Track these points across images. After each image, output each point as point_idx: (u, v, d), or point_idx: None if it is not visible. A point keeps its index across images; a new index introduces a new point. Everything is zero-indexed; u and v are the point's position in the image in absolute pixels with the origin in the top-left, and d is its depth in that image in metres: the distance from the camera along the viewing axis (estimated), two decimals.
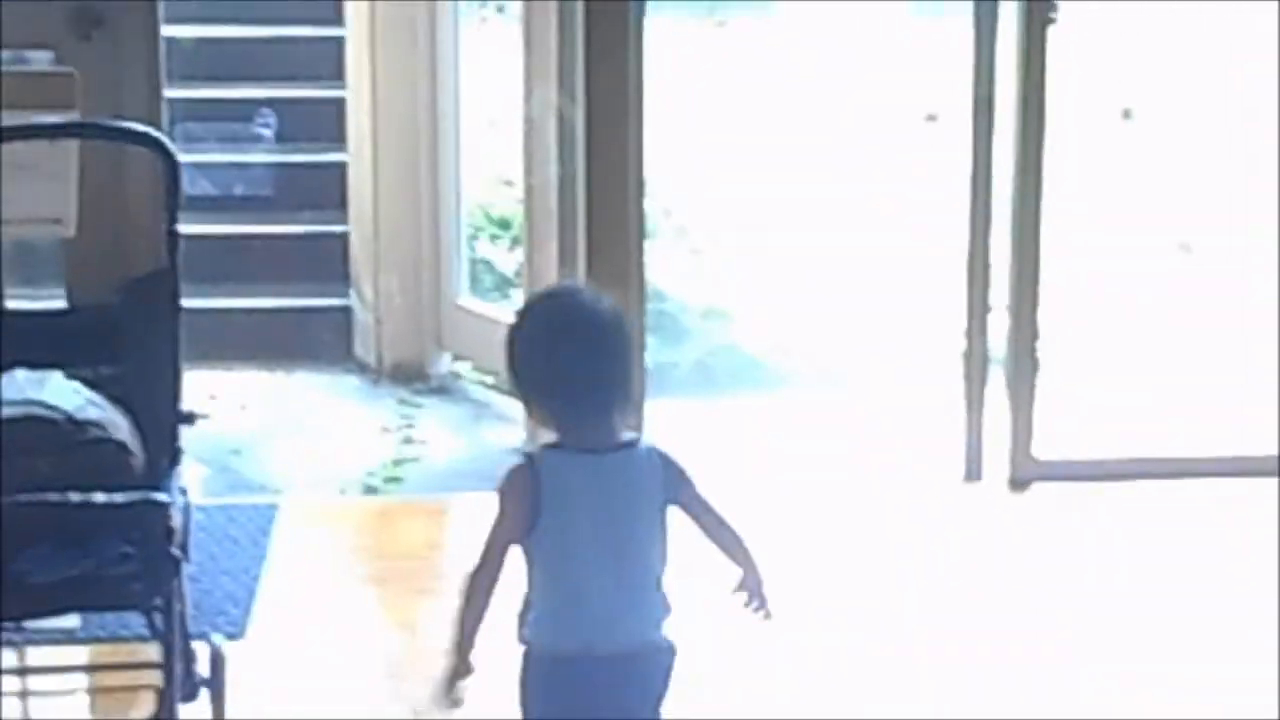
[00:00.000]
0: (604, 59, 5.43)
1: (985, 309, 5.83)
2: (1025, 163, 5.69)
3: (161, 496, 3.64)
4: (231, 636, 4.69)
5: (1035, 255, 5.78)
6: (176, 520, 3.70)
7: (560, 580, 3.20)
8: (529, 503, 3.13)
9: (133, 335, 3.96)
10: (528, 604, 3.22)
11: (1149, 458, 6.02)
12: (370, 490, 5.98)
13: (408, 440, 6.37)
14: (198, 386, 6.56)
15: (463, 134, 6.97)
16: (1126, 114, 9.47)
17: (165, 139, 4.14)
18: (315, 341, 7.14)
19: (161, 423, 3.90)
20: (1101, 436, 6.31)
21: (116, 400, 3.90)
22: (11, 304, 4.44)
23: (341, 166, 7.25)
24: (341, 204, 7.21)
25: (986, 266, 5.80)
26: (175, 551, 3.68)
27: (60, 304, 4.91)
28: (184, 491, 3.90)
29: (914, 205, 8.95)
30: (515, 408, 6.27)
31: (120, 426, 3.79)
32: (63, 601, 3.85)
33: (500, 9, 7.91)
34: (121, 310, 4.03)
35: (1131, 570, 5.25)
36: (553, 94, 5.61)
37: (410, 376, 6.85)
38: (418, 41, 6.81)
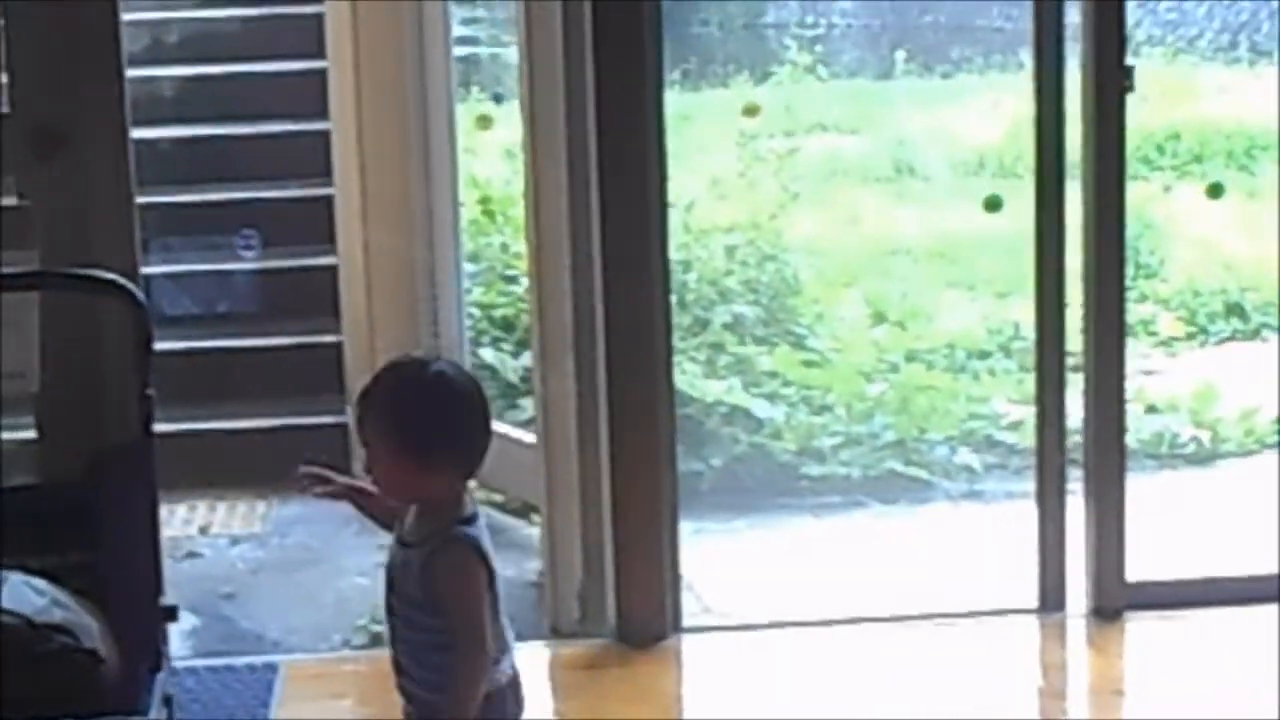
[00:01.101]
0: (620, 142, 4.75)
1: (1061, 406, 5.00)
2: (1103, 251, 4.90)
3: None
4: None
5: (1119, 347, 4.97)
6: None
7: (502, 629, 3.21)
8: (486, 576, 3.11)
9: (105, 517, 3.29)
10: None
11: (1257, 576, 5.11)
12: (376, 640, 5.06)
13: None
14: (186, 518, 5.99)
15: (462, 231, 6.35)
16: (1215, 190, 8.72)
17: (133, 287, 3.57)
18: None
19: (140, 620, 3.24)
20: (1196, 556, 5.48)
21: (88, 593, 3.21)
22: None
23: (332, 270, 6.58)
24: (333, 311, 6.55)
25: (1062, 364, 4.99)
26: None
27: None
28: (168, 701, 3.18)
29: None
30: (529, 532, 5.66)
31: (90, 630, 3.11)
32: None
33: (497, 99, 7.33)
34: (92, 488, 3.35)
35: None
36: (563, 179, 4.88)
37: None
38: (410, 135, 6.18)
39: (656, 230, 4.82)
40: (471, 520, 3.15)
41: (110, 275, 3.57)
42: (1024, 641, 4.95)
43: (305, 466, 3.30)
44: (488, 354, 6.59)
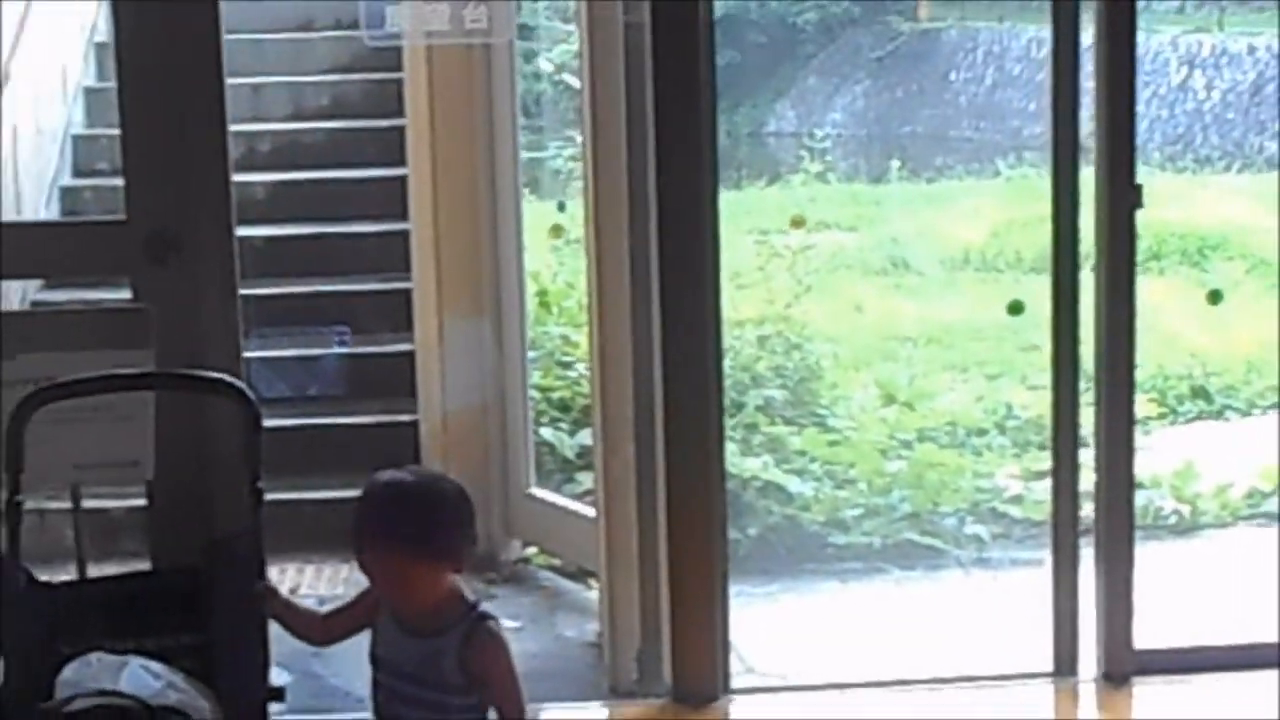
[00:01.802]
0: (679, 245, 4.52)
1: (1075, 480, 4.72)
2: (1113, 344, 4.63)
3: None
4: None
5: (1129, 434, 4.69)
6: None
7: None
8: None
9: (217, 601, 3.11)
10: None
11: (1269, 643, 4.78)
12: None
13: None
14: (278, 580, 5.73)
15: (527, 325, 6.12)
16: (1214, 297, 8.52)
17: (245, 388, 3.36)
18: None
19: (249, 700, 3.06)
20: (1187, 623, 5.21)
21: (198, 674, 3.01)
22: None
23: (409, 355, 6.33)
24: (410, 392, 6.27)
25: (1075, 436, 4.71)
26: None
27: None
28: None
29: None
30: (589, 596, 5.40)
31: (202, 711, 2.92)
32: None
33: (561, 206, 7.10)
34: (205, 574, 3.16)
35: None
36: (625, 276, 4.65)
37: (482, 566, 5.78)
38: (480, 234, 5.95)
39: (711, 323, 4.57)
40: (479, 604, 3.06)
41: (222, 375, 3.38)
42: (1040, 704, 4.66)
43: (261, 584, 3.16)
44: (546, 432, 6.35)
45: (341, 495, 6.09)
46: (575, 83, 4.90)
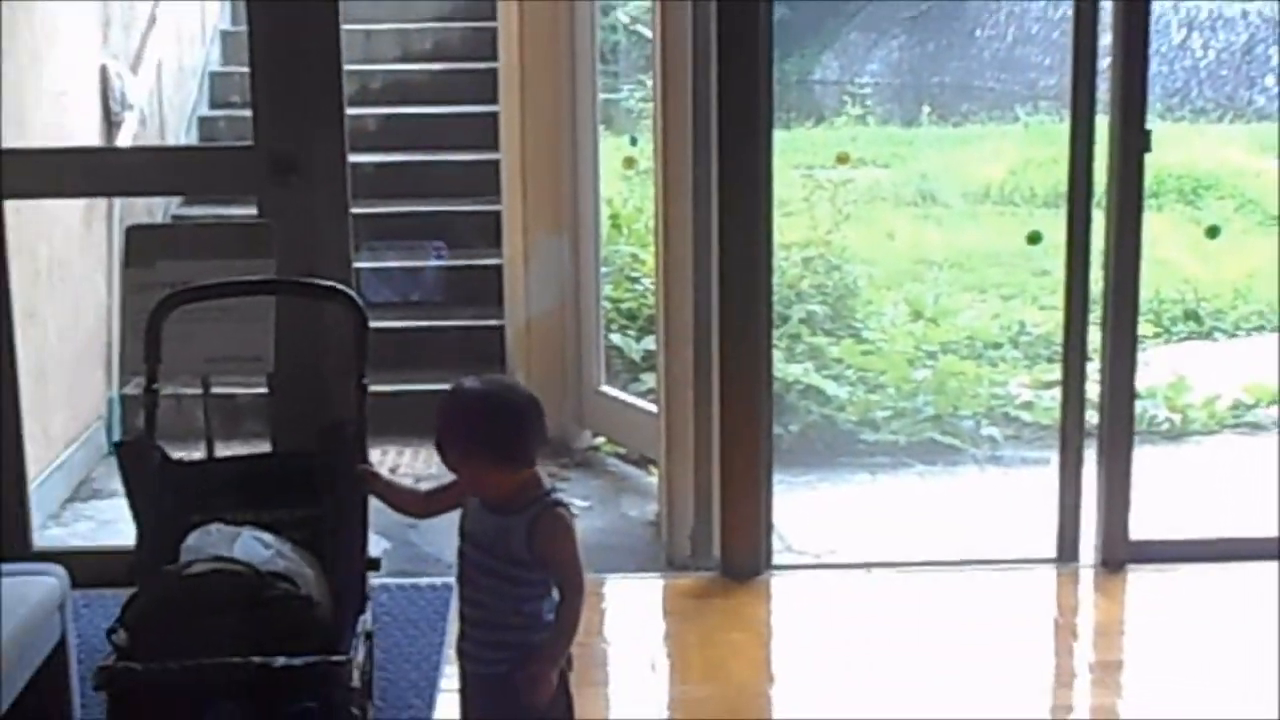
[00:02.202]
0: (737, 177, 4.42)
1: (1082, 390, 4.61)
2: (1121, 271, 4.50)
3: (341, 658, 2.68)
4: None
5: (1132, 350, 4.57)
6: (355, 677, 2.68)
7: None
8: None
9: (325, 481, 3.00)
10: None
11: (1255, 537, 4.69)
12: None
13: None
14: (380, 460, 5.72)
15: (600, 243, 6.01)
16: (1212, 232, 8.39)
17: (355, 295, 3.25)
18: None
19: (350, 569, 2.97)
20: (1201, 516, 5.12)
21: (306, 545, 2.95)
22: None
23: (498, 269, 6.30)
24: (498, 300, 6.24)
25: (1084, 352, 4.59)
26: (354, 710, 2.67)
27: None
28: (369, 636, 2.89)
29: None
30: (649, 481, 5.35)
31: (307, 578, 2.84)
32: None
33: (634, 141, 6.98)
34: (316, 457, 3.07)
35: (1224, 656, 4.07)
36: (689, 203, 4.56)
37: (557, 452, 5.74)
38: (561, 163, 5.84)
39: (763, 246, 4.49)
40: (553, 491, 2.97)
41: (335, 283, 3.28)
42: (1044, 586, 4.56)
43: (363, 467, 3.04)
44: (615, 338, 6.31)
45: (437, 388, 6.09)
46: (647, 33, 4.79)
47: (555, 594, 3.00)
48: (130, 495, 3.03)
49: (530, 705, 2.93)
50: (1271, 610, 4.28)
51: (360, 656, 2.78)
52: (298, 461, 3.13)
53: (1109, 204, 4.50)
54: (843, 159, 8.40)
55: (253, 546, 2.80)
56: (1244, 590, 4.43)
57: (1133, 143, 4.43)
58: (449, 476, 3.01)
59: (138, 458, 3.03)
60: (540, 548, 2.92)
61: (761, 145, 4.43)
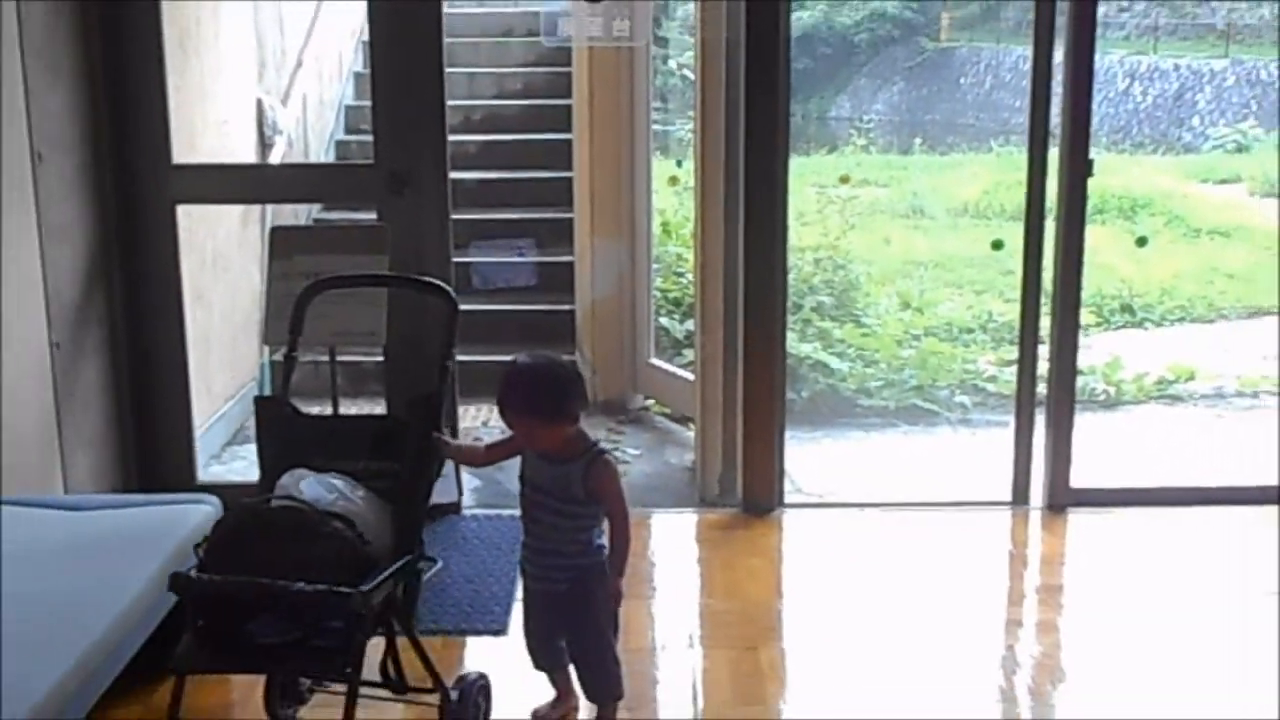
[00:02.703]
0: (760, 193, 4.36)
1: (1034, 366, 4.53)
2: (1068, 265, 4.42)
3: (348, 590, 2.59)
4: (495, 633, 3.66)
5: (1074, 335, 4.48)
6: (378, 607, 2.69)
7: None
8: None
9: (408, 443, 2.91)
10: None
11: (1174, 487, 4.64)
12: None
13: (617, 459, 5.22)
14: (475, 416, 5.72)
15: (652, 245, 5.94)
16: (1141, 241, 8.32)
17: (448, 288, 3.14)
18: None
19: (411, 517, 2.88)
20: (1131, 469, 5.05)
21: (384, 493, 2.86)
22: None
23: (570, 264, 6.24)
24: (570, 289, 6.18)
25: (1036, 335, 4.52)
26: (358, 635, 2.66)
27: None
28: (417, 575, 2.87)
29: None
30: (688, 435, 5.33)
31: (366, 520, 2.75)
32: (278, 662, 2.77)
33: (679, 163, 6.89)
34: (403, 421, 2.97)
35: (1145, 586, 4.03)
36: (721, 214, 4.51)
37: (615, 410, 5.71)
38: (621, 181, 5.77)
39: (780, 248, 4.43)
40: (599, 443, 2.98)
41: (434, 279, 3.24)
42: (1001, 524, 4.49)
43: (436, 435, 2.97)
44: (664, 320, 6.24)
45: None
46: (692, 77, 4.75)
47: (605, 525, 3.01)
48: (258, 440, 3.02)
49: (608, 610, 3.00)
50: (1185, 545, 4.27)
51: (384, 592, 2.70)
52: (390, 424, 3.08)
53: (1058, 217, 4.42)
54: (844, 179, 8.32)
55: (318, 490, 2.74)
56: (1165, 529, 4.37)
57: (1078, 168, 4.34)
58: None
59: (271, 410, 3.00)
60: (594, 487, 2.93)
61: (779, 169, 4.38)
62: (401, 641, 2.94)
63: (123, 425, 4.27)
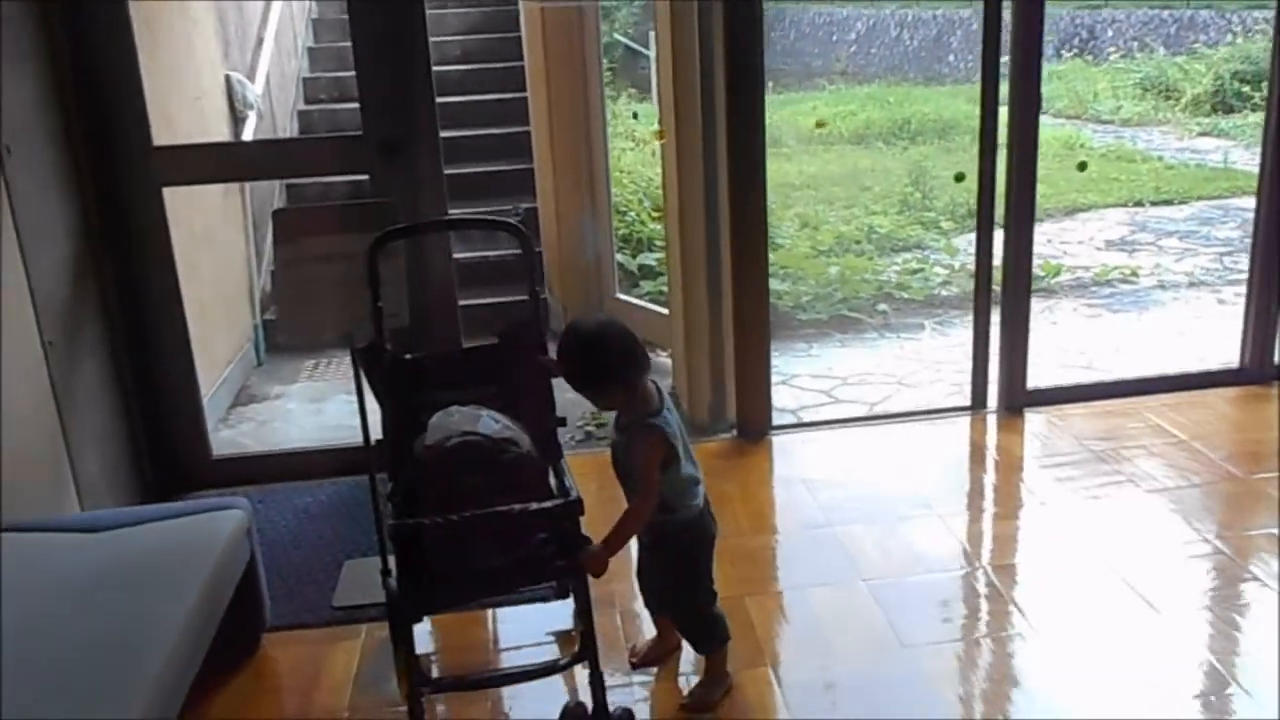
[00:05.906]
0: (739, 130, 3.58)
1: (989, 277, 3.85)
2: (1021, 181, 3.72)
3: (573, 498, 2.23)
4: None
5: (1029, 228, 3.78)
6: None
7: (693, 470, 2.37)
8: (669, 448, 2.28)
9: (503, 366, 2.48)
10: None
11: (1114, 380, 4.07)
12: (588, 437, 4.01)
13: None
14: None
15: (610, 190, 5.07)
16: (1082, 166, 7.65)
17: (520, 226, 2.50)
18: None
19: (541, 427, 2.43)
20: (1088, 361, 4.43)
21: (507, 410, 2.38)
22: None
23: (534, 209, 5.33)
24: (536, 233, 5.31)
25: (989, 255, 3.83)
26: (585, 534, 2.27)
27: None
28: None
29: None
30: (661, 361, 4.55)
31: (525, 440, 2.29)
32: (502, 582, 2.36)
33: (635, 115, 6.07)
34: (502, 349, 2.50)
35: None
36: (700, 161, 3.72)
37: None
38: (578, 131, 4.94)
39: (760, 187, 3.66)
40: (658, 412, 2.30)
41: (504, 219, 2.56)
42: (962, 427, 3.87)
43: (544, 357, 2.49)
44: (619, 257, 5.39)
45: (496, 300, 5.14)
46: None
47: (682, 486, 2.35)
48: (372, 386, 2.45)
49: (690, 560, 2.43)
50: (1118, 431, 3.71)
51: (577, 493, 2.24)
52: (483, 353, 2.50)
53: (1009, 141, 3.70)
54: (820, 124, 7.49)
55: (488, 423, 2.24)
56: (1101, 421, 3.81)
57: (1029, 103, 3.65)
58: None
59: (371, 357, 2.42)
60: (633, 459, 2.31)
61: (758, 100, 3.58)
62: None
63: (130, 416, 3.41)
